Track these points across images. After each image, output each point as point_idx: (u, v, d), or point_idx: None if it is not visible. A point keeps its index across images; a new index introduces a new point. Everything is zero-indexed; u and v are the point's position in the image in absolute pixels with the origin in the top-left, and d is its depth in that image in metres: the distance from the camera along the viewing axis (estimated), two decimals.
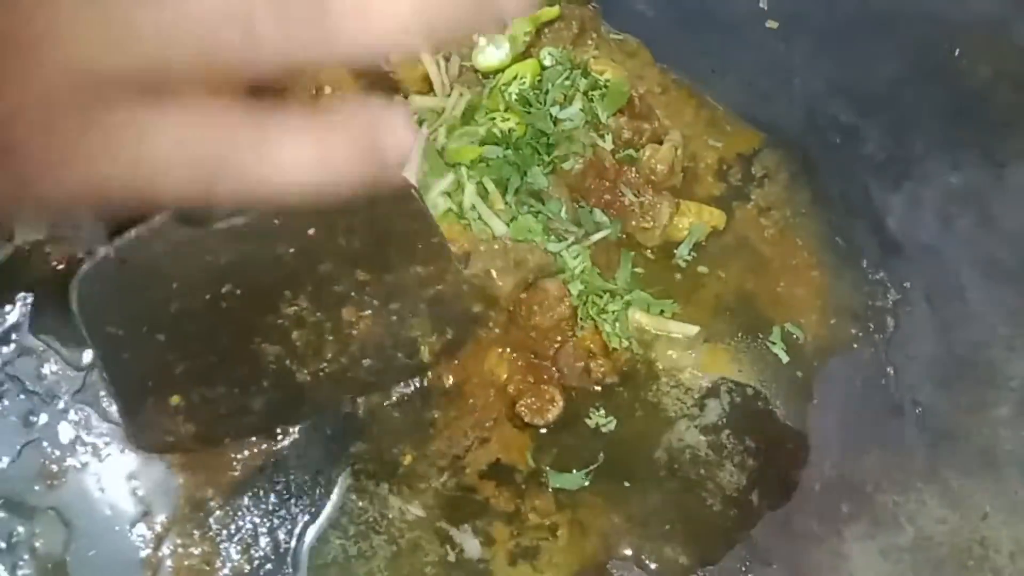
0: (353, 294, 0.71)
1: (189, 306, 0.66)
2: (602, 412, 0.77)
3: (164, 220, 0.61)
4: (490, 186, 0.82)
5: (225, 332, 0.69)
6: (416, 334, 0.75)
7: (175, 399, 0.71)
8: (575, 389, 0.78)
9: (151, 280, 0.64)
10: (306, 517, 0.73)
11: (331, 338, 0.72)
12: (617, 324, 0.79)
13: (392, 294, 0.72)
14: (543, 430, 0.77)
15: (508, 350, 0.79)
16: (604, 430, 0.76)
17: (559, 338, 0.79)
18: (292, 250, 0.66)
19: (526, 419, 0.76)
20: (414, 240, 0.70)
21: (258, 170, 0.32)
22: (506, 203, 0.83)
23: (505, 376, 0.78)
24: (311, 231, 0.66)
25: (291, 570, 0.71)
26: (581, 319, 0.80)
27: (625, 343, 0.79)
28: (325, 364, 0.73)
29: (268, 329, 0.70)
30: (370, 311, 0.72)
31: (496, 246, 0.79)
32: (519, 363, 0.78)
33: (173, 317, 0.67)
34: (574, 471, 0.75)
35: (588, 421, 0.77)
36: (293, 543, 0.72)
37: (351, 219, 0.67)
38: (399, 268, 0.71)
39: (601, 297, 0.80)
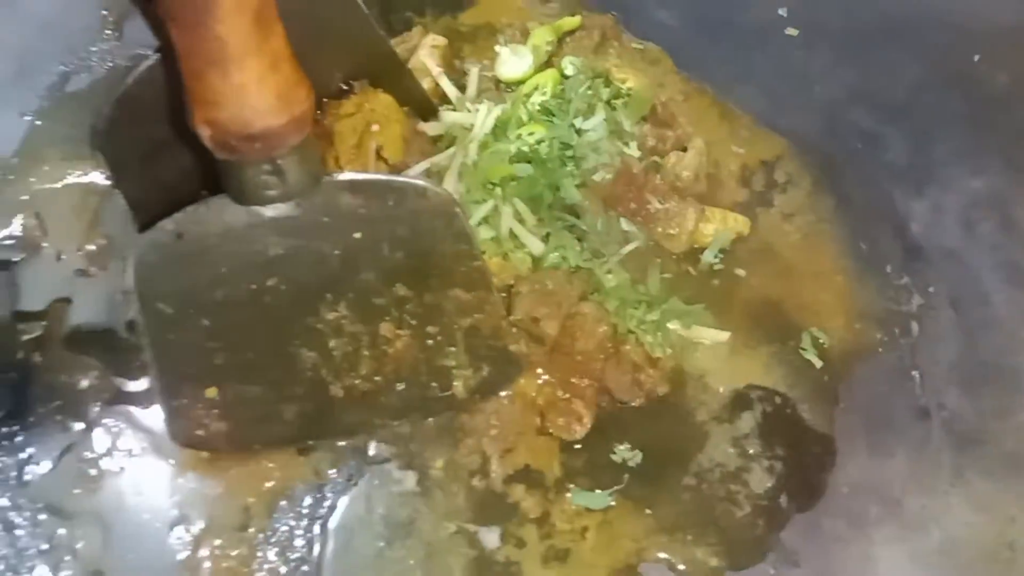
0: (393, 310, 0.73)
1: (235, 295, 0.69)
2: (627, 446, 0.77)
3: (221, 199, 0.64)
4: (521, 206, 0.83)
5: (266, 328, 0.71)
6: (451, 364, 0.76)
7: (211, 391, 0.73)
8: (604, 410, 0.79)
9: (203, 259, 0.67)
10: (341, 521, 0.74)
11: (367, 353, 0.74)
12: (659, 334, 0.80)
13: (430, 316, 0.74)
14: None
15: (549, 373, 0.79)
16: (631, 464, 0.77)
17: (602, 356, 0.80)
18: (337, 252, 0.68)
19: (554, 434, 0.77)
20: (456, 262, 0.72)
21: None
22: (540, 220, 0.84)
23: (534, 392, 0.79)
24: (357, 235, 0.68)
25: (326, 571, 0.72)
26: (621, 334, 0.81)
27: (668, 351, 0.80)
28: (359, 380, 0.74)
29: (307, 332, 0.72)
30: (407, 331, 0.74)
31: (537, 285, 0.80)
32: (552, 380, 0.79)
33: (219, 304, 0.69)
34: (598, 491, 0.75)
35: (614, 456, 0.77)
36: (328, 545, 0.73)
37: (396, 228, 0.68)
38: (439, 289, 0.73)
39: (637, 308, 0.81)
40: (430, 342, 0.75)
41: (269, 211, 0.65)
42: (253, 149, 0.59)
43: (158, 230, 0.66)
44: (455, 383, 0.76)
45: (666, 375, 0.79)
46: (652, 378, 0.78)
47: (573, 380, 0.78)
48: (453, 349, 0.75)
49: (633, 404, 0.79)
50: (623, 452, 0.77)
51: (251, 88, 0.56)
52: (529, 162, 0.85)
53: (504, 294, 0.80)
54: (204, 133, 0.58)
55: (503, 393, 0.78)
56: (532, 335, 0.79)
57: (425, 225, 0.70)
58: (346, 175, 0.68)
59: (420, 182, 0.71)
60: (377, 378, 0.75)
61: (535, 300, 0.79)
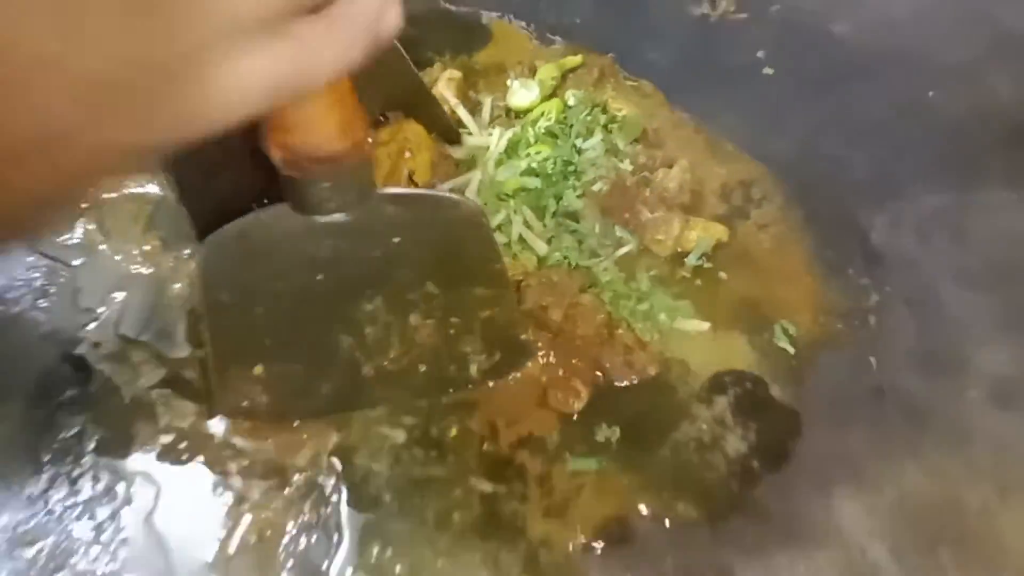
0: (422, 303, 0.84)
1: (286, 287, 0.79)
2: (605, 426, 0.87)
3: (283, 208, 0.74)
4: (528, 214, 0.95)
5: (311, 316, 0.81)
6: (468, 350, 0.87)
7: (258, 369, 0.83)
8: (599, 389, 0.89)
9: (263, 257, 0.77)
10: (366, 480, 0.84)
11: (397, 339, 0.84)
12: (648, 321, 0.91)
13: (453, 309, 0.85)
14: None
15: (552, 355, 0.90)
16: (612, 440, 0.86)
17: (599, 340, 0.90)
18: (378, 254, 0.79)
19: (555, 407, 0.88)
20: (479, 264, 0.83)
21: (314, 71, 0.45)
22: (544, 226, 0.95)
23: (539, 372, 0.89)
24: (396, 239, 0.78)
25: (351, 520, 0.81)
26: (616, 320, 0.91)
27: (656, 335, 0.91)
28: (388, 362, 0.85)
29: (346, 320, 0.82)
30: (432, 321, 0.85)
31: (544, 279, 0.91)
32: (554, 362, 0.90)
33: (273, 295, 0.79)
34: (592, 459, 0.85)
35: (597, 437, 0.87)
36: (354, 500, 0.83)
37: (430, 234, 0.79)
38: (463, 286, 0.84)
39: (629, 299, 0.92)
40: (452, 331, 0.85)
41: (323, 218, 0.74)
42: (318, 169, 0.68)
43: (225, 232, 0.75)
44: (471, 366, 0.87)
45: (655, 357, 0.90)
46: (642, 360, 0.89)
47: (574, 361, 0.89)
48: (471, 337, 0.86)
49: (625, 383, 0.89)
50: (603, 432, 0.86)
51: (320, 118, 0.64)
52: (537, 176, 0.97)
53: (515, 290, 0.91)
54: (276, 155, 0.66)
55: (512, 376, 0.89)
56: (540, 321, 0.89)
57: (456, 232, 0.80)
58: (392, 189, 0.79)
59: (454, 196, 0.82)
60: (403, 361, 0.85)
61: (542, 291, 0.90)
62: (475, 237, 0.82)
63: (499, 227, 0.95)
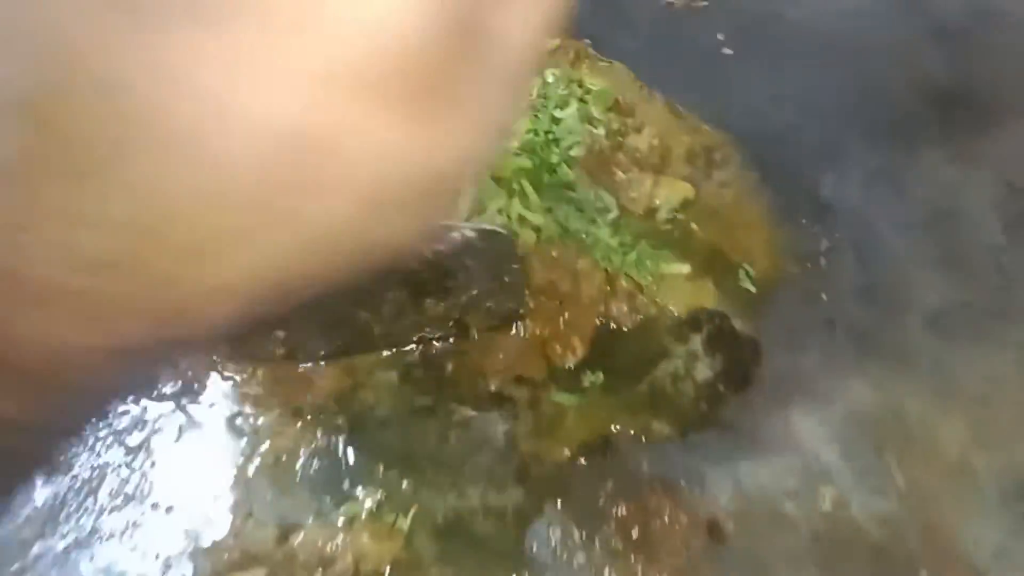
0: (440, 296, 0.93)
1: None
2: (588, 373, 0.95)
3: None
4: (529, 189, 1.04)
5: (336, 297, 0.90)
6: (471, 322, 0.96)
7: (280, 333, 0.92)
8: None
9: None
10: (373, 410, 0.92)
11: (409, 311, 0.94)
12: (640, 268, 1.01)
13: (467, 304, 0.94)
14: None
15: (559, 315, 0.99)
16: (597, 383, 0.96)
17: (603, 296, 0.99)
18: (413, 266, 0.88)
19: (551, 358, 0.97)
20: (503, 282, 0.93)
21: None
22: (541, 198, 1.05)
23: (539, 327, 0.98)
24: (429, 255, 0.88)
25: (359, 447, 0.90)
26: (612, 273, 1.01)
27: (650, 278, 1.00)
28: (398, 324, 0.94)
29: (368, 303, 0.92)
30: (443, 305, 0.94)
31: (545, 257, 1.00)
32: (553, 314, 0.99)
33: None
34: (572, 395, 0.94)
35: (583, 383, 0.95)
36: (362, 428, 0.91)
37: (467, 275, 0.90)
38: (482, 293, 0.94)
39: (618, 253, 1.02)
40: (460, 311, 0.95)
41: None
42: None
43: None
44: (471, 330, 0.96)
45: (652, 299, 0.99)
46: (644, 303, 0.98)
47: (582, 320, 0.98)
48: (475, 312, 0.95)
49: (624, 328, 0.98)
50: (588, 377, 0.95)
51: None
52: (528, 153, 1.06)
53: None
54: None
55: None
56: (550, 294, 0.98)
57: (486, 257, 0.91)
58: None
59: (492, 228, 0.92)
60: (413, 326, 0.95)
61: (547, 269, 0.99)
62: (503, 251, 0.92)
63: (499, 211, 1.03)
